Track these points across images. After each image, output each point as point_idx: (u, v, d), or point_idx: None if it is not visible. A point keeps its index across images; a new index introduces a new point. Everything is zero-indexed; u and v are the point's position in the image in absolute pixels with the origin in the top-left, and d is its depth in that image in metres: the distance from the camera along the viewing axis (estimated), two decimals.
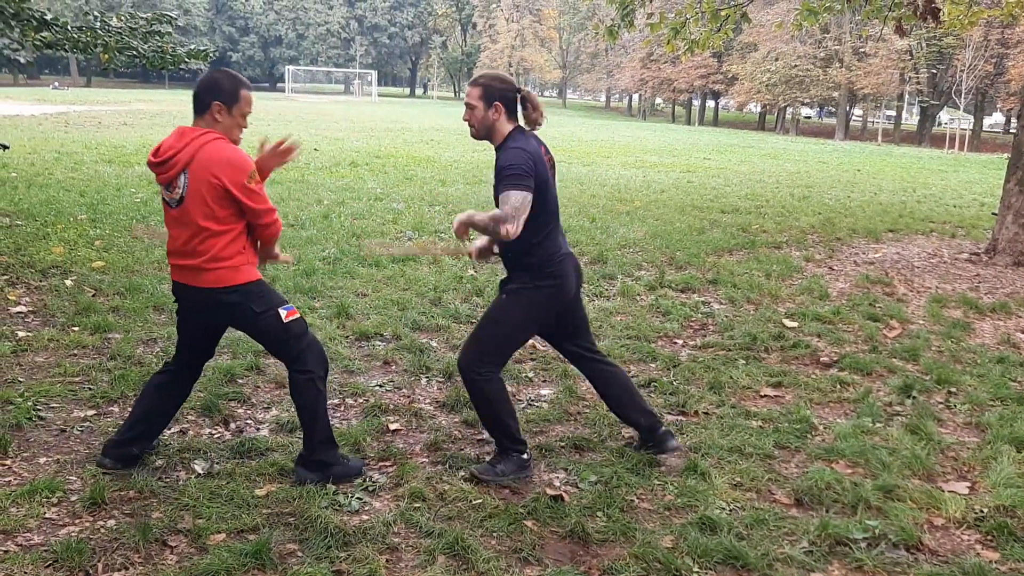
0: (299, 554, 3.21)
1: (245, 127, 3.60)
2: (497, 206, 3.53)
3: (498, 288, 3.98)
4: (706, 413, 4.79)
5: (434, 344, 5.74)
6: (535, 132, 3.80)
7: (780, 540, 3.47)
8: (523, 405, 4.81)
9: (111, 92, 52.65)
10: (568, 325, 4.04)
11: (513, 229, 3.46)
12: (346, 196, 11.81)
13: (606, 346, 5.76)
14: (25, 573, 2.97)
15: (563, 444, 4.31)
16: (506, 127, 3.69)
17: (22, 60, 7.21)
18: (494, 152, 3.73)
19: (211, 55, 9.00)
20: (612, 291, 7.47)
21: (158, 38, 8.48)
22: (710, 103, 66.45)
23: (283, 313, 3.60)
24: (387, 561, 3.19)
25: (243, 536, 3.29)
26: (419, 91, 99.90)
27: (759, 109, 59.62)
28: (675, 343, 6.11)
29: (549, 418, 4.62)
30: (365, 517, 3.49)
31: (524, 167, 3.51)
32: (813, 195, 15.23)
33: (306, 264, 7.42)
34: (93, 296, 6.34)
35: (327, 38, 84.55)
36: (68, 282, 6.65)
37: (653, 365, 5.58)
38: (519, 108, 3.74)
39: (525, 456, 3.91)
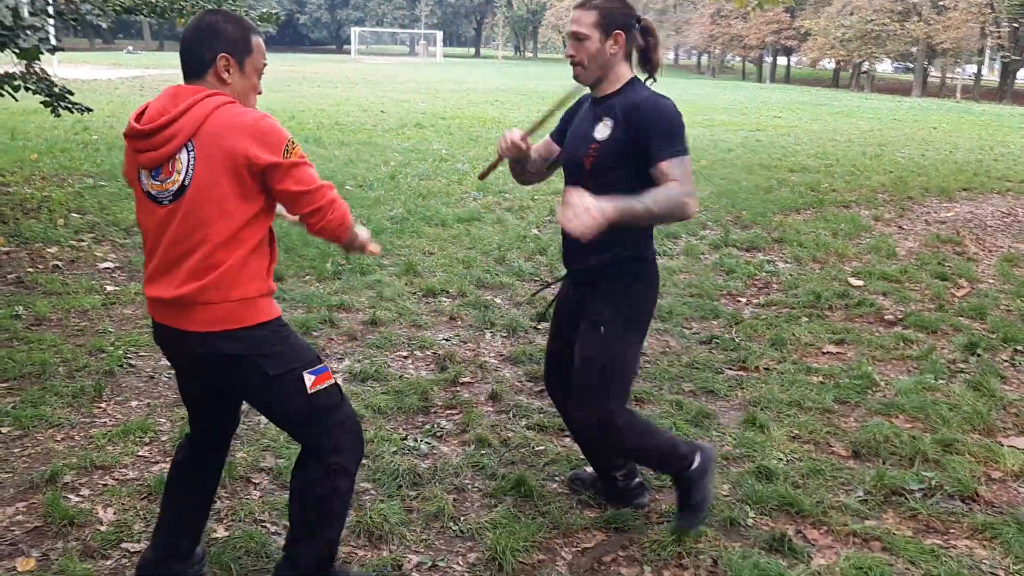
0: (372, 492, 3.41)
1: (260, 91, 2.54)
2: (600, 172, 2.77)
3: (574, 303, 3.05)
4: (767, 368, 4.86)
5: (498, 301, 5.89)
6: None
7: (836, 489, 3.55)
8: None
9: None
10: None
11: (695, 205, 2.65)
12: (412, 157, 11.99)
13: (668, 305, 5.84)
14: (122, 504, 3.22)
15: None
16: (624, 70, 2.81)
17: (104, 25, 7.48)
18: (593, 104, 2.89)
19: (281, 17, 9.19)
20: (676, 250, 7.52)
21: (230, 2, 8.69)
22: (782, 60, 64.88)
23: (308, 380, 2.46)
24: (454, 500, 3.37)
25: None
26: (483, 51, 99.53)
27: (833, 66, 58.04)
28: (738, 301, 6.16)
29: None
30: (433, 461, 3.67)
31: (683, 125, 2.73)
32: (885, 153, 14.91)
33: (375, 224, 7.61)
34: None
35: None
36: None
37: (715, 322, 5.65)
38: (643, 43, 2.84)
39: (694, 463, 3.08)
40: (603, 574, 2.99)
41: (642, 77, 2.89)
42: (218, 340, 2.35)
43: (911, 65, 54.18)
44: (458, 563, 2.99)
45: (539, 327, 5.31)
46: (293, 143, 2.32)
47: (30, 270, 6.06)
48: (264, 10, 8.92)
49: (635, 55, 2.84)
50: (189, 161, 2.29)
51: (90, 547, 2.94)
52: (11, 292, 5.57)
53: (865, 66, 51.02)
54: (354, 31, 72.03)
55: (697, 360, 4.93)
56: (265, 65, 2.52)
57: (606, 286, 2.90)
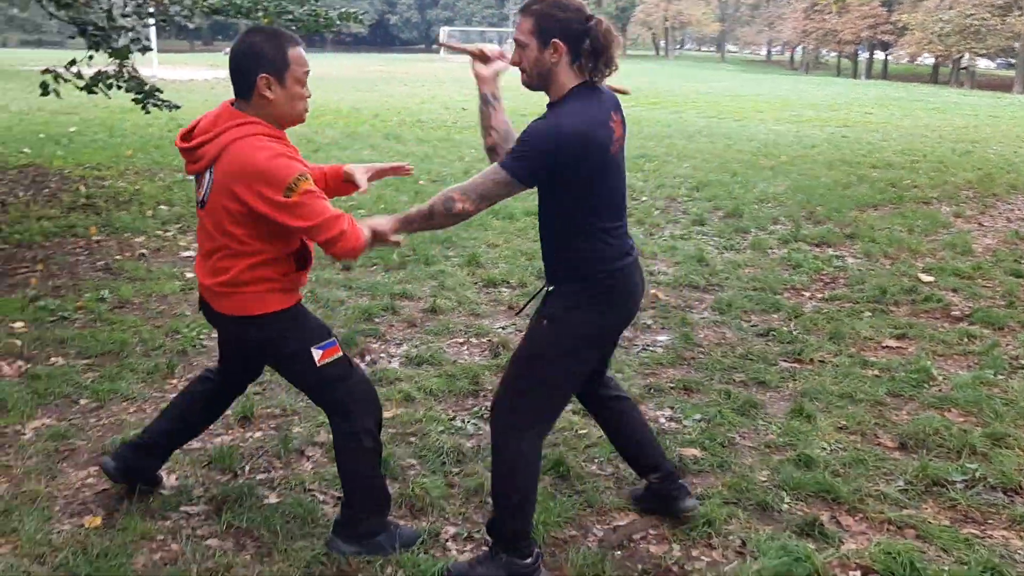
0: (417, 467, 3.56)
1: (308, 95, 2.75)
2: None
3: (539, 306, 2.88)
4: (822, 361, 4.84)
5: None
6: (605, 85, 2.75)
7: (876, 479, 3.55)
8: (638, 349, 4.99)
9: None
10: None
11: (462, 206, 2.60)
12: None
13: (728, 298, 5.85)
14: (185, 471, 3.45)
15: (673, 386, 4.48)
16: (568, 77, 2.64)
17: (191, 26, 7.86)
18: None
19: (363, 18, 9.47)
20: (743, 244, 7.48)
21: (313, 2, 9.00)
22: (879, 55, 63.04)
23: (316, 354, 2.80)
24: None
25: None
26: None
27: (932, 61, 56.11)
28: (802, 295, 6.12)
29: (663, 362, 4.79)
30: (478, 440, 3.81)
31: (538, 149, 2.54)
32: (976, 150, 14.43)
33: None
34: None
35: None
36: None
37: (775, 315, 5.63)
38: (589, 46, 2.63)
39: (527, 561, 2.80)
40: (632, 551, 3.07)
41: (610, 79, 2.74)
42: (239, 324, 2.78)
43: (1013, 61, 51.96)
44: None
45: None
46: (298, 181, 2.53)
47: (118, 257, 6.43)
48: (344, 9, 9.19)
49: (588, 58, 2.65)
50: (209, 181, 2.65)
51: (152, 509, 3.17)
52: (99, 277, 5.93)
53: (965, 61, 49.18)
54: (443, 31, 72.90)
55: (751, 352, 4.94)
56: (307, 72, 2.71)
57: (562, 290, 2.78)
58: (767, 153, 13.11)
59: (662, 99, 24.95)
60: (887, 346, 5.11)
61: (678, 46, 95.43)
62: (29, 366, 4.38)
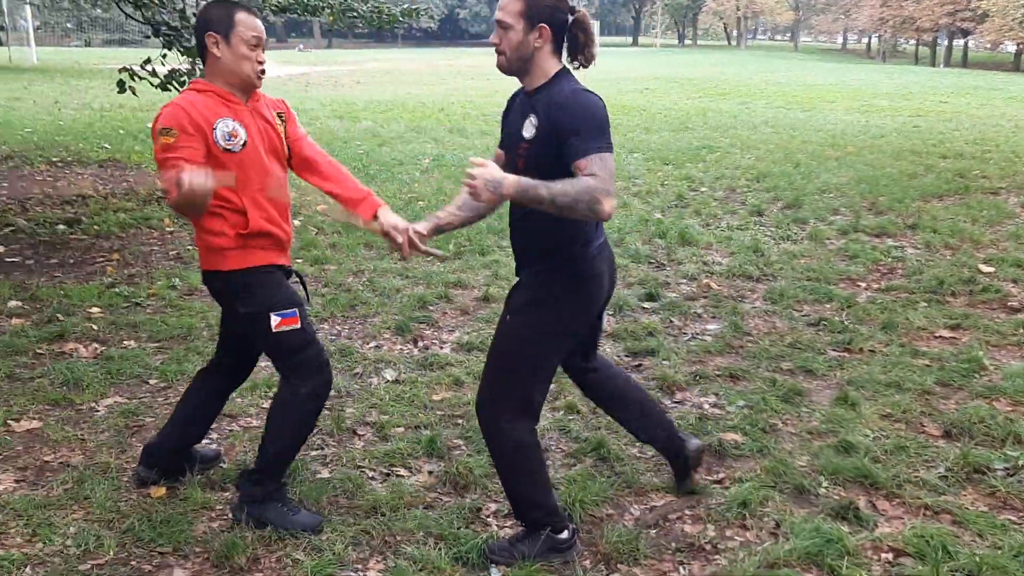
0: (463, 447, 3.70)
1: (259, 61, 2.89)
2: (535, 173, 2.53)
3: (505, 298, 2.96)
4: (871, 351, 4.84)
5: None
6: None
7: (916, 465, 3.57)
8: (687, 338, 5.06)
9: (349, 53, 56.14)
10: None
11: (612, 205, 2.49)
12: None
13: (781, 288, 5.86)
14: (243, 446, 3.66)
15: (719, 373, 4.54)
16: (550, 63, 2.67)
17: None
18: (525, 97, 2.75)
19: (430, 13, 9.66)
20: (801, 235, 7.45)
21: (374, 2, 9.21)
22: (958, 42, 61.16)
23: (274, 320, 2.91)
24: None
25: (418, 431, 3.82)
26: (641, 39, 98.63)
27: (1014, 49, 54.20)
28: (857, 286, 6.09)
29: (711, 350, 4.85)
30: None
31: (606, 118, 2.56)
32: None
33: (501, 207, 7.93)
34: (315, 234, 7.19)
35: None
36: (296, 222, 7.55)
37: (828, 305, 5.63)
38: (572, 38, 2.70)
39: (563, 536, 2.92)
40: (667, 530, 3.16)
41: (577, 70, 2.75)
42: (207, 276, 3.01)
43: None
44: None
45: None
46: (161, 133, 2.75)
47: (189, 247, 6.73)
48: (406, 6, 9.39)
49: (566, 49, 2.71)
50: None
51: (212, 481, 3.37)
52: (171, 266, 6.22)
53: None
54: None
55: (800, 340, 4.96)
56: (256, 36, 2.86)
57: (527, 281, 2.86)
58: (833, 143, 12.93)
59: (730, 90, 24.70)
60: (940, 336, 5.07)
61: (751, 35, 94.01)
62: (104, 348, 4.65)
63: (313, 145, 3.22)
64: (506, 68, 2.70)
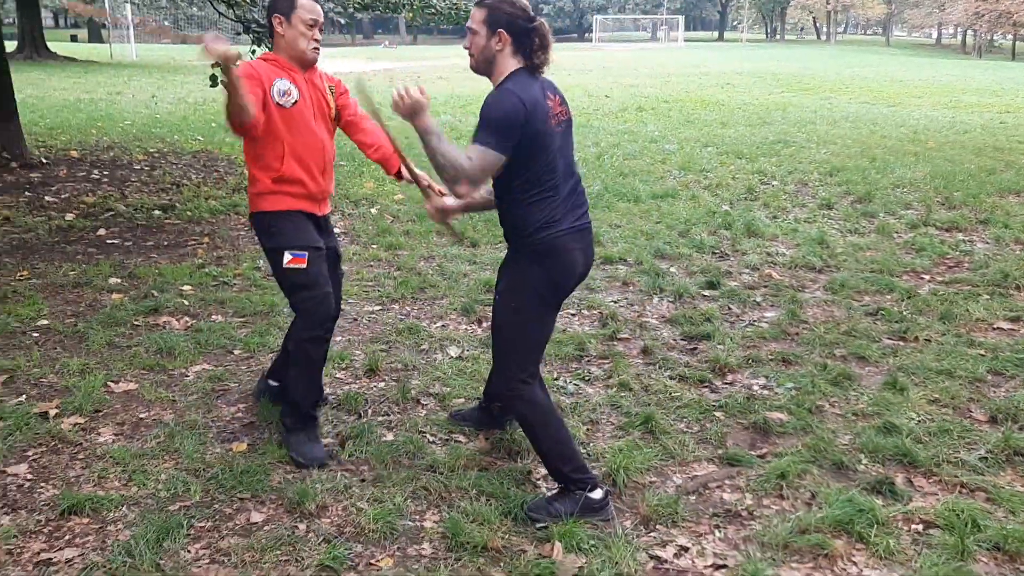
0: None
1: (315, 39, 3.44)
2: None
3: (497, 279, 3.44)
4: (927, 340, 4.91)
5: (673, 270, 6.23)
6: (543, 76, 3.12)
7: (958, 447, 3.67)
8: (744, 324, 5.20)
9: (433, 48, 56.81)
10: None
11: (465, 191, 2.93)
12: (623, 139, 12.42)
13: (842, 278, 5.94)
14: (318, 411, 3.96)
15: (772, 358, 4.68)
16: (509, 64, 3.02)
17: (342, 21, 8.50)
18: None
19: None
20: (868, 228, 7.47)
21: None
22: None
23: (286, 257, 3.41)
24: (587, 430, 3.84)
25: (476, 403, 4.08)
26: (728, 35, 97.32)
27: None
28: (921, 278, 6.12)
29: (766, 336, 4.98)
30: (576, 399, 4.15)
31: (509, 120, 2.87)
32: None
33: None
34: (391, 222, 7.52)
35: None
36: (373, 210, 7.91)
37: (888, 296, 5.69)
38: (529, 43, 3.04)
39: (597, 495, 3.16)
40: (706, 497, 3.35)
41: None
42: (250, 218, 3.59)
43: None
44: None
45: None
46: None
47: None
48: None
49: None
50: None
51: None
52: (256, 250, 6.61)
53: None
54: (596, 19, 73.00)
55: (856, 329, 5.06)
56: (313, 19, 3.41)
57: (509, 260, 3.27)
58: (914, 139, 12.75)
59: (814, 85, 24.33)
60: (999, 328, 5.11)
61: (841, 30, 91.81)
62: (194, 322, 5.04)
63: (358, 113, 3.75)
64: (474, 68, 3.10)
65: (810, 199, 8.60)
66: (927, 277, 6.13)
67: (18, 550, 2.91)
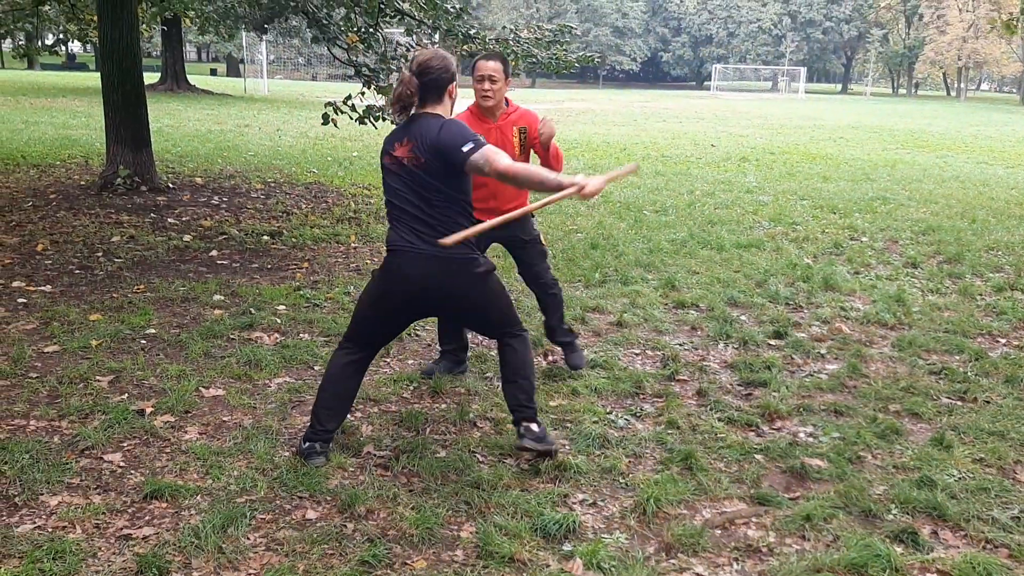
0: (567, 446, 4.18)
1: (484, 90, 4.54)
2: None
3: None
4: (986, 401, 4.92)
5: (743, 318, 6.37)
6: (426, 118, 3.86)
7: (992, 505, 3.73)
8: (803, 374, 5.31)
9: (550, 92, 57.79)
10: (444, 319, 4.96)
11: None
12: (719, 188, 12.55)
13: (912, 336, 5.97)
14: (380, 425, 4.31)
15: (824, 408, 4.78)
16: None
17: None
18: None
19: (596, 57, 10.36)
20: (951, 289, 7.42)
21: (558, 47, 9.94)
22: None
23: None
24: (629, 462, 4.06)
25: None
26: (852, 87, 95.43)
27: None
28: (996, 341, 6.08)
29: (823, 387, 5.08)
30: (625, 432, 4.37)
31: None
32: None
33: (654, 243, 8.38)
34: None
35: (757, 35, 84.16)
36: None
37: (956, 357, 5.69)
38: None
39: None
40: (731, 532, 3.52)
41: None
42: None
43: None
44: (612, 505, 3.68)
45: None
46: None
47: (368, 262, 7.60)
48: (582, 53, 10.06)
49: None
50: None
51: (347, 446, 4.04)
52: (349, 277, 7.09)
53: None
54: (715, 68, 72.89)
55: (915, 386, 5.11)
56: (481, 75, 4.54)
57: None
58: (1022, 202, 12.44)
59: (932, 142, 23.82)
60: None
61: (974, 87, 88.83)
62: (283, 338, 5.49)
63: (545, 145, 4.69)
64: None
65: (897, 257, 8.57)
66: (1003, 341, 6.09)
67: (104, 525, 3.33)
